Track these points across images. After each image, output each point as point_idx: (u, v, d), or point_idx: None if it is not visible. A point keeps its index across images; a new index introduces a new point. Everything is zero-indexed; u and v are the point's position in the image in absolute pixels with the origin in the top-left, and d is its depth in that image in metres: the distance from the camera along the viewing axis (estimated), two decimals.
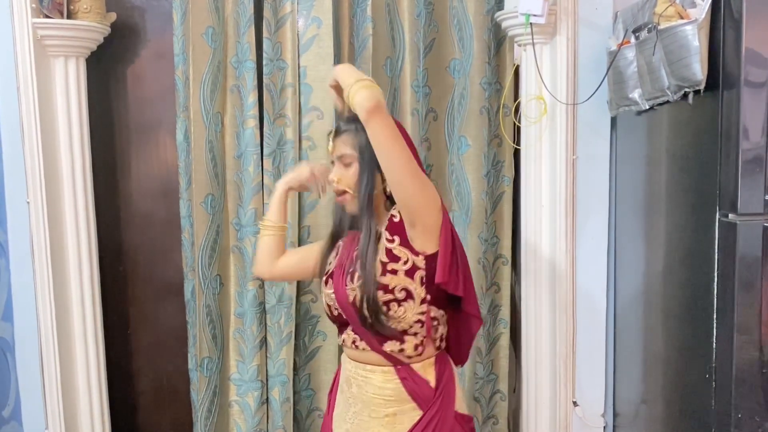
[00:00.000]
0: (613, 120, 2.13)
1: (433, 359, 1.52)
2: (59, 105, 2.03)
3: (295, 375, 2.22)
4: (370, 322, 1.44)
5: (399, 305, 1.43)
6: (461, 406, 1.56)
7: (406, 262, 1.44)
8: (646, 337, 1.99)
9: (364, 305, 1.43)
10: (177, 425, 2.37)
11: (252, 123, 2.08)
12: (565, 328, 2.14)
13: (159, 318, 2.35)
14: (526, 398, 2.24)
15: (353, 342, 1.51)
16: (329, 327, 2.17)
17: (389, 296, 1.43)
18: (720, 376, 1.53)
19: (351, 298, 1.45)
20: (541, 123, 2.09)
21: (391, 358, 1.48)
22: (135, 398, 2.37)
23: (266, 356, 2.16)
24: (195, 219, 2.09)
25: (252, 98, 2.07)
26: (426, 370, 1.50)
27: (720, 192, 1.52)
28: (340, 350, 1.70)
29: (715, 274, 1.53)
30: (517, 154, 2.23)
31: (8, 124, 2.00)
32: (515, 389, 2.37)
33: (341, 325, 1.55)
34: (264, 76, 2.08)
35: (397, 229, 1.47)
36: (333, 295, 1.51)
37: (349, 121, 1.49)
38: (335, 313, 1.53)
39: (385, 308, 1.43)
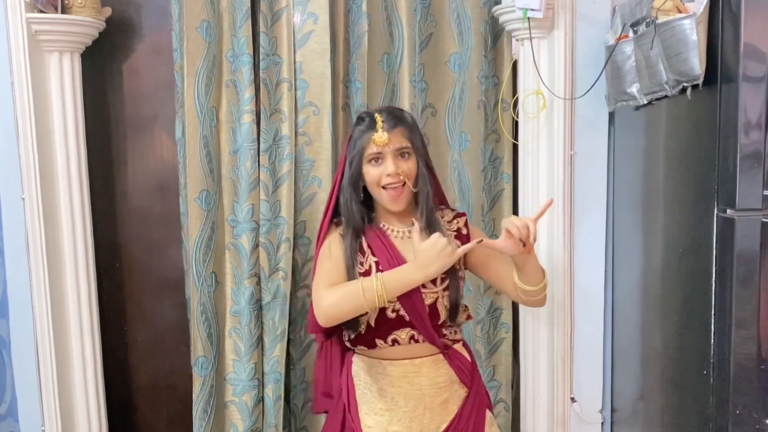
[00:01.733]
0: (611, 115, 2.12)
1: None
2: (54, 101, 2.01)
3: (291, 369, 2.21)
4: (447, 317, 1.53)
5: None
6: None
7: (463, 270, 1.61)
8: (644, 332, 1.98)
9: (450, 307, 1.52)
10: (174, 422, 2.37)
11: (249, 118, 2.06)
12: (563, 323, 2.13)
13: (155, 314, 2.34)
14: (524, 393, 2.24)
15: (411, 338, 1.52)
16: None
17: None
18: (718, 372, 1.53)
19: (429, 301, 1.50)
20: (539, 118, 2.08)
21: (445, 345, 1.54)
22: (131, 395, 2.36)
23: (262, 354, 2.15)
24: (189, 215, 2.07)
25: (249, 93, 2.05)
26: (461, 349, 1.62)
27: (718, 187, 1.51)
28: None
29: (714, 270, 1.53)
30: (516, 150, 2.22)
31: (2, 120, 1.99)
32: (513, 385, 2.36)
33: (390, 327, 1.51)
34: (260, 71, 2.07)
35: (463, 241, 1.57)
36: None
37: (397, 117, 1.51)
38: (404, 317, 1.50)
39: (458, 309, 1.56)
